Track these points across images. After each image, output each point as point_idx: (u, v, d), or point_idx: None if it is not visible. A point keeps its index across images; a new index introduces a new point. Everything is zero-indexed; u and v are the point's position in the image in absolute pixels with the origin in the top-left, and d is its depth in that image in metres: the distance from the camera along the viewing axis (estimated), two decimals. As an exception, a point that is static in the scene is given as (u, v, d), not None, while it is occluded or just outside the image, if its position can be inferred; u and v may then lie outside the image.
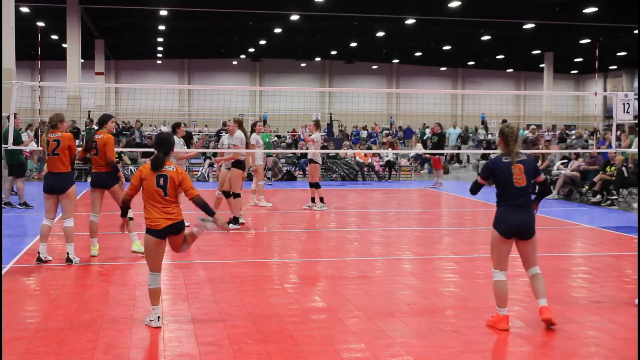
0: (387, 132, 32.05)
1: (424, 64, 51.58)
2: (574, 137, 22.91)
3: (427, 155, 21.68)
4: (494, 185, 5.69)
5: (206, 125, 36.67)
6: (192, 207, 5.91)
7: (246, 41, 41.51)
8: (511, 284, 7.30)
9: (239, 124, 11.12)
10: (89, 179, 19.00)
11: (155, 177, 5.57)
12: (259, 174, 13.84)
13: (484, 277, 7.68)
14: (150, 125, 35.48)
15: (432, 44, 41.33)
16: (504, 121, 26.53)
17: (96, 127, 16.69)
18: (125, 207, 5.90)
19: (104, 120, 8.60)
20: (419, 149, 23.12)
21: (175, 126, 11.04)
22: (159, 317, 5.63)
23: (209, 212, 5.64)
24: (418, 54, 46.42)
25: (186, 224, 6.05)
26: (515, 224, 5.51)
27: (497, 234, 5.57)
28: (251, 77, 51.89)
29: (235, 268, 7.95)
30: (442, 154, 18.79)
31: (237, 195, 10.78)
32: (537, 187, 5.93)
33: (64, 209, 7.99)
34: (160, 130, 27.95)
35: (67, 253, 8.01)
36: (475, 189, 5.84)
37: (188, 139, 21.95)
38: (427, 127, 28.71)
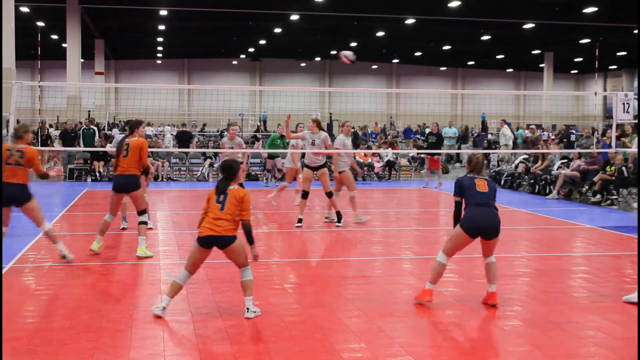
0: (386, 133, 31.99)
1: (424, 64, 51.61)
2: (582, 136, 22.91)
3: (422, 155, 21.60)
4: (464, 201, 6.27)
5: (205, 124, 36.62)
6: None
7: (246, 41, 41.53)
8: (511, 284, 7.31)
9: (318, 123, 11.09)
10: (89, 179, 19.16)
11: (216, 194, 5.90)
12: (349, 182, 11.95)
13: (484, 277, 7.68)
14: (152, 125, 35.43)
15: (432, 44, 41.36)
16: (505, 122, 26.55)
17: (94, 128, 16.67)
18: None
19: (135, 125, 8.61)
20: (414, 151, 23.09)
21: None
22: (163, 308, 5.82)
23: (250, 240, 5.91)
24: (418, 53, 46.44)
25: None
26: (477, 222, 6.11)
27: (460, 230, 6.13)
28: (251, 77, 51.92)
29: (236, 268, 7.94)
30: (439, 154, 18.69)
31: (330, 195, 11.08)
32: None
33: (33, 219, 7.87)
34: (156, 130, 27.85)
35: (60, 250, 7.98)
36: (456, 210, 6.35)
37: (188, 139, 22.04)
38: (427, 127, 28.70)
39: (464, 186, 6.24)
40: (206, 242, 5.80)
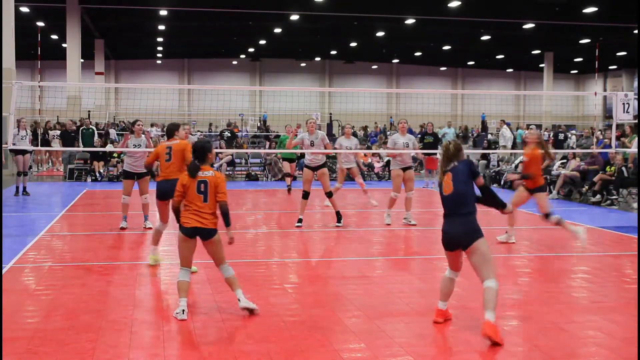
0: (386, 134, 31.98)
1: (424, 64, 51.59)
2: (582, 136, 22.91)
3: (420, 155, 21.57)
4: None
5: (211, 124, 36.53)
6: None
7: (246, 41, 41.53)
8: (511, 285, 7.31)
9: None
10: (89, 179, 19.16)
11: (196, 183, 5.86)
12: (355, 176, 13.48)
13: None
14: (153, 126, 35.44)
15: (432, 44, 41.35)
16: (504, 122, 26.52)
17: (93, 128, 16.55)
18: (177, 213, 6.11)
19: (173, 128, 8.32)
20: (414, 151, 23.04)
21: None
22: (183, 310, 5.80)
23: (227, 221, 5.89)
24: (418, 54, 46.43)
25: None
26: (445, 235, 5.48)
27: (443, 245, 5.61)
28: (251, 77, 51.90)
29: (235, 268, 7.92)
30: (436, 154, 18.66)
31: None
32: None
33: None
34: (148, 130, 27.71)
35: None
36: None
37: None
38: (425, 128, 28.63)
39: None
40: (192, 233, 5.90)
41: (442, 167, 5.56)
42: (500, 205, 5.70)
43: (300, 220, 11.07)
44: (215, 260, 6.05)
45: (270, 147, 21.89)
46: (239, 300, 5.94)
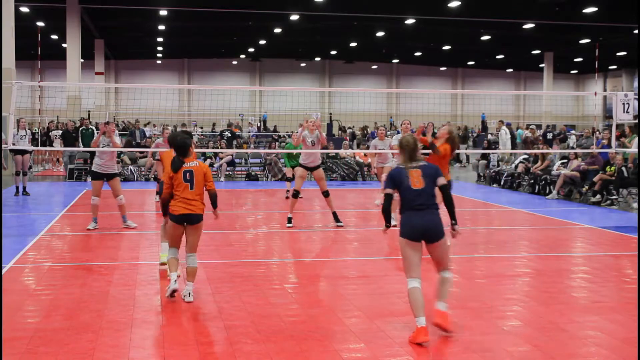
0: (387, 134, 31.95)
1: (424, 64, 51.60)
2: (582, 136, 22.94)
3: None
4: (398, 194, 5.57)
5: (214, 124, 36.45)
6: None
7: (246, 41, 41.54)
8: (511, 284, 7.31)
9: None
10: (89, 179, 19.15)
11: (181, 173, 6.35)
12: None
13: (484, 277, 7.70)
14: (155, 126, 35.47)
15: (432, 44, 41.36)
16: (503, 122, 26.52)
17: (93, 128, 16.40)
18: (165, 207, 6.49)
19: (188, 143, 8.17)
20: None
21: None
22: (175, 281, 6.35)
23: (214, 204, 6.55)
24: (418, 54, 46.44)
25: None
26: (418, 225, 5.41)
27: (403, 240, 5.47)
28: (251, 77, 51.91)
29: (235, 268, 7.95)
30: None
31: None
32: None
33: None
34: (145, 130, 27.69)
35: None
36: (386, 202, 5.66)
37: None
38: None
39: (395, 181, 5.53)
40: (181, 220, 6.37)
41: (407, 161, 5.57)
42: (452, 217, 5.66)
43: (289, 220, 11.04)
44: (190, 246, 6.46)
45: (271, 147, 21.84)
46: (188, 294, 6.33)
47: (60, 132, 23.51)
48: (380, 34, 36.04)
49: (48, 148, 22.37)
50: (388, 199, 5.64)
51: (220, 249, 9.17)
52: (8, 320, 5.64)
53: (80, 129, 20.29)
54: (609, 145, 15.80)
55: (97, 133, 11.40)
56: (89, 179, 10.73)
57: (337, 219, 11.16)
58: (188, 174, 6.31)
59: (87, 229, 10.41)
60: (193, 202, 6.31)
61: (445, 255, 5.59)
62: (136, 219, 11.14)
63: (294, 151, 13.34)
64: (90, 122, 22.24)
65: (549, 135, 25.49)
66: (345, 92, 47.84)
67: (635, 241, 9.67)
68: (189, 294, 6.33)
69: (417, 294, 5.36)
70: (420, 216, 5.43)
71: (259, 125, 39.81)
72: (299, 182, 11.16)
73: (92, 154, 19.27)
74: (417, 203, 5.44)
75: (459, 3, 26.79)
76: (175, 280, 6.34)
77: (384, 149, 12.83)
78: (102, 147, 10.63)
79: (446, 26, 32.39)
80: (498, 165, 20.08)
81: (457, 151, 9.29)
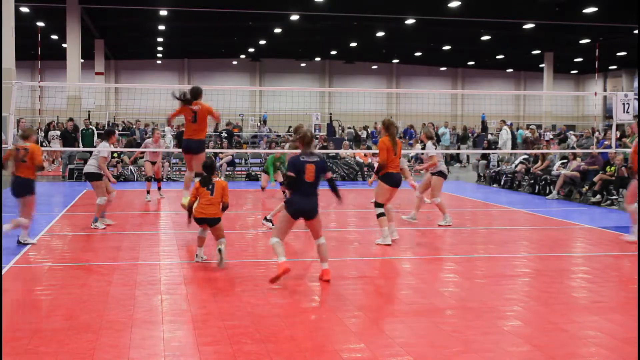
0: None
1: (424, 64, 51.58)
2: (583, 136, 22.98)
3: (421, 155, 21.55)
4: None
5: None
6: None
7: (246, 41, 41.50)
8: (511, 284, 7.31)
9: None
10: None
11: (205, 187, 7.96)
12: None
13: (484, 277, 7.70)
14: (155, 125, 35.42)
15: (432, 44, 41.33)
16: (505, 122, 26.52)
17: (93, 128, 16.29)
18: (190, 210, 8.11)
19: (199, 92, 10.70)
20: (418, 149, 23.06)
21: (109, 133, 11.06)
22: (198, 254, 8.19)
23: (224, 210, 8.11)
24: (418, 54, 46.41)
25: None
26: (301, 208, 7.12)
27: (286, 214, 7.13)
28: (251, 77, 51.89)
29: (235, 268, 7.96)
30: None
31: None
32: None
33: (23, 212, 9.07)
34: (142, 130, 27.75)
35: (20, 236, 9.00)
36: (289, 183, 7.17)
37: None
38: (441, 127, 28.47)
39: (295, 168, 7.07)
40: (201, 222, 8.02)
41: (306, 156, 7.13)
42: (337, 196, 7.50)
43: (267, 219, 10.94)
44: (217, 237, 8.03)
45: (270, 148, 21.83)
46: (220, 248, 7.86)
47: (58, 132, 23.51)
48: (380, 34, 36.02)
49: (48, 148, 22.36)
50: (291, 182, 7.15)
51: (220, 249, 9.16)
52: (8, 320, 5.64)
53: (81, 129, 20.30)
54: (609, 145, 15.81)
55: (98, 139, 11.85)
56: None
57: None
58: (210, 185, 7.92)
59: (108, 224, 10.77)
60: (211, 207, 7.91)
61: (319, 228, 7.31)
62: (136, 219, 11.14)
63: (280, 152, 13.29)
64: (91, 123, 22.26)
65: (547, 136, 25.54)
66: (345, 92, 47.76)
67: (636, 241, 9.66)
68: (220, 248, 7.83)
69: (278, 245, 7.10)
70: (303, 201, 7.13)
71: (258, 124, 39.82)
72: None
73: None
74: (306, 191, 7.14)
75: (459, 3, 26.78)
76: (197, 254, 8.19)
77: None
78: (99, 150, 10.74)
79: (446, 26, 32.36)
80: (498, 166, 20.08)
81: (457, 151, 9.39)
